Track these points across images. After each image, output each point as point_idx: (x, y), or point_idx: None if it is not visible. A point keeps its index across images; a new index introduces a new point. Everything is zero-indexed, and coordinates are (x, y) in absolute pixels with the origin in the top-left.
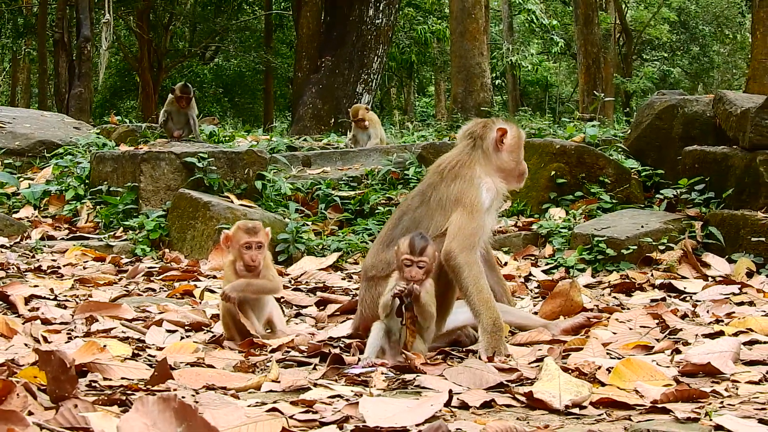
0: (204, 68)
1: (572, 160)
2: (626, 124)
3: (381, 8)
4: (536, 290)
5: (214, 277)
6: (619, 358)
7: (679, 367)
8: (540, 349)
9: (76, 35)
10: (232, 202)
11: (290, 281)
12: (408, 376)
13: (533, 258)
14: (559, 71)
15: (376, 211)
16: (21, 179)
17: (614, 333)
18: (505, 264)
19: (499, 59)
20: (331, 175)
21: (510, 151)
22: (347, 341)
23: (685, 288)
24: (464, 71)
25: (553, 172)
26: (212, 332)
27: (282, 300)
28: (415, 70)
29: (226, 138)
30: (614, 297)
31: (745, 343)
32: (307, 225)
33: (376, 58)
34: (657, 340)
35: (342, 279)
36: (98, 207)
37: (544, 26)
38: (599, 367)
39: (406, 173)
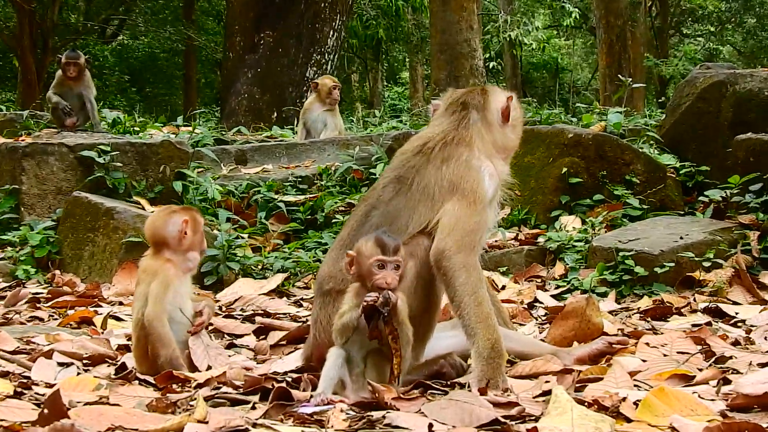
0: (104, 48)
1: (590, 153)
2: (660, 113)
3: None
4: (543, 317)
5: (121, 303)
6: (650, 390)
7: (727, 400)
8: (548, 381)
9: None
10: (143, 208)
11: (221, 308)
12: (376, 414)
13: (539, 280)
14: (573, 51)
15: (333, 220)
16: None
17: (643, 360)
18: (503, 288)
19: (494, 35)
20: (273, 174)
21: (514, 126)
22: (296, 375)
23: (737, 313)
24: (448, 51)
25: (564, 170)
26: (122, 365)
27: (212, 328)
28: (384, 49)
29: (136, 127)
30: (645, 321)
31: None
32: (243, 238)
33: (331, 33)
34: (699, 369)
35: (289, 305)
36: None
37: None
38: (624, 399)
39: (372, 172)
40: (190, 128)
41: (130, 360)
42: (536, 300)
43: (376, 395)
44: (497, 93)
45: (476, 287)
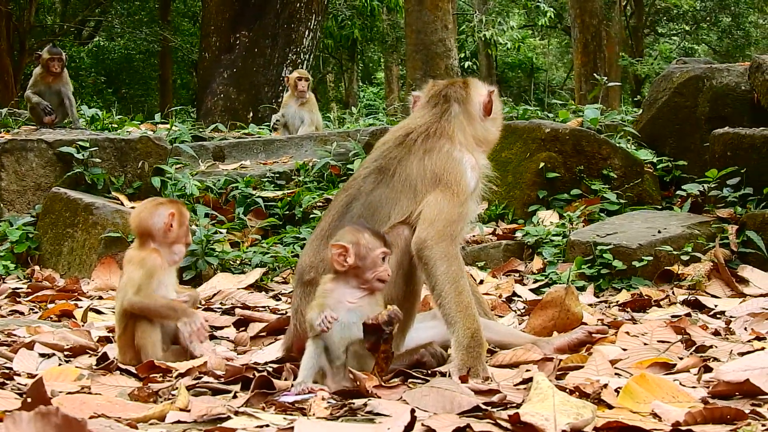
0: (81, 50)
1: (567, 148)
2: (636, 110)
3: None
4: (522, 310)
5: (100, 297)
6: (631, 377)
7: (708, 387)
8: (528, 370)
9: None
10: (122, 204)
11: (200, 302)
12: (357, 402)
13: (518, 274)
14: (548, 50)
15: (311, 215)
16: None
17: (624, 349)
18: (481, 282)
19: (469, 34)
20: (251, 170)
21: (495, 119)
22: (276, 365)
23: (716, 306)
24: (423, 50)
25: (542, 164)
26: (103, 355)
27: None
28: (359, 50)
29: (114, 124)
30: (625, 312)
31: None
32: (221, 234)
33: (307, 33)
34: (680, 357)
35: (268, 299)
36: None
37: None
38: (605, 386)
39: (349, 167)
40: (168, 126)
41: (111, 350)
42: (515, 294)
43: (358, 383)
44: (479, 86)
45: (457, 277)
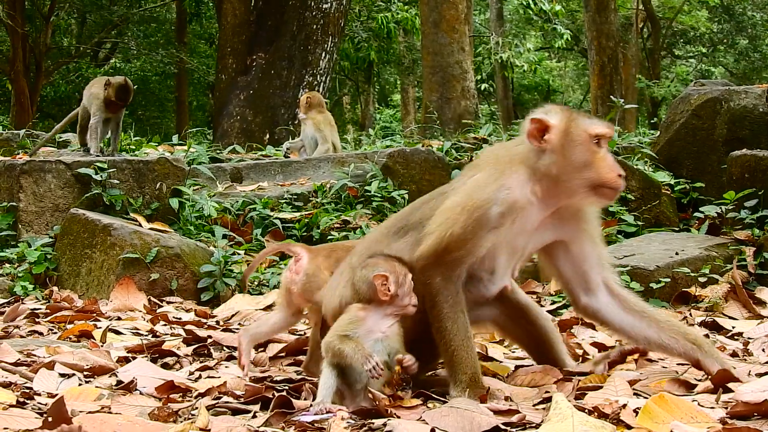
0: (96, 71)
1: None
2: (653, 132)
3: None
4: None
5: (119, 318)
6: (650, 398)
7: (727, 408)
8: (547, 391)
9: None
10: (140, 225)
11: (218, 323)
12: (377, 422)
13: (535, 296)
14: (565, 72)
15: (328, 237)
16: None
17: (642, 371)
18: None
19: (486, 57)
20: (268, 192)
21: (558, 152)
22: (295, 385)
23: (733, 327)
24: (440, 72)
25: None
26: (119, 377)
27: (210, 341)
28: (376, 71)
29: (131, 146)
30: None
31: None
32: (239, 255)
33: (324, 55)
34: (698, 379)
35: None
36: None
37: (544, 13)
38: (624, 407)
39: (367, 189)
40: (185, 147)
41: (133, 371)
42: None
43: (377, 403)
44: (534, 114)
45: (454, 311)
